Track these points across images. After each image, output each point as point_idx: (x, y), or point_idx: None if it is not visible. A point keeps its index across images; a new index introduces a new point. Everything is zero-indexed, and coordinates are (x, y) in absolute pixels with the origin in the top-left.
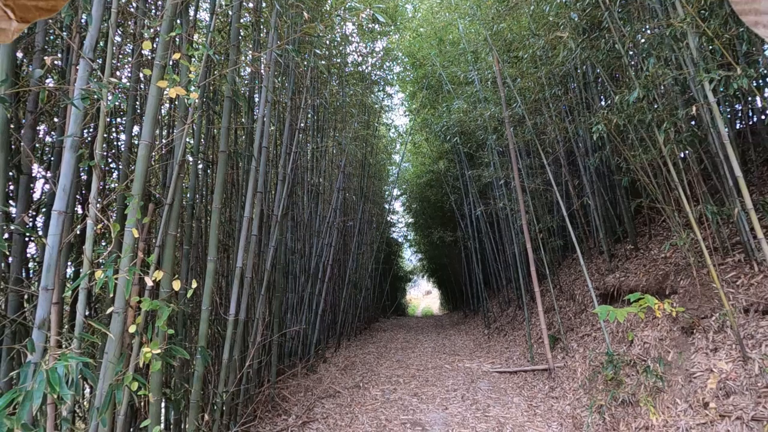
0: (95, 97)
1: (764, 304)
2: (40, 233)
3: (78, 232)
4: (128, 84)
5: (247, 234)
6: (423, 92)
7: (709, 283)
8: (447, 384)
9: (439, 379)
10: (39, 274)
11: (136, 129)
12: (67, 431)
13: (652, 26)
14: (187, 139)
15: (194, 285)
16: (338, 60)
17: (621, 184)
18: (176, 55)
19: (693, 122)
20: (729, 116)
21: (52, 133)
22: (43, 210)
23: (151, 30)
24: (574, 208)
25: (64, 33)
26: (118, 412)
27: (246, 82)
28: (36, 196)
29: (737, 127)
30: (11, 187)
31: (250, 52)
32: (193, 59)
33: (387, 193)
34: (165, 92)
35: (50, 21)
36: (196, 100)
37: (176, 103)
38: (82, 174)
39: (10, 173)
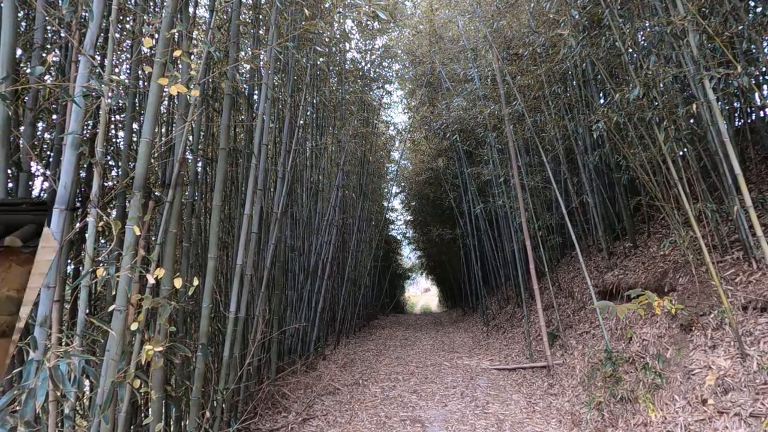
0: (95, 94)
1: (762, 301)
2: None
3: (78, 230)
4: (128, 81)
5: (247, 231)
6: (422, 90)
7: (707, 281)
8: (446, 381)
9: (438, 376)
10: None
11: (135, 126)
12: (69, 428)
13: (653, 24)
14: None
15: (195, 282)
16: (338, 57)
17: (620, 182)
18: (177, 52)
19: (692, 120)
20: (728, 114)
21: (51, 130)
22: None
23: (151, 27)
24: (573, 205)
25: (64, 30)
26: (119, 410)
27: (246, 79)
28: (35, 193)
29: (736, 124)
30: (11, 185)
31: (250, 49)
32: (192, 56)
33: (386, 190)
34: (165, 89)
35: (49, 17)
36: (197, 98)
37: (176, 100)
38: (80, 171)
39: (10, 170)
